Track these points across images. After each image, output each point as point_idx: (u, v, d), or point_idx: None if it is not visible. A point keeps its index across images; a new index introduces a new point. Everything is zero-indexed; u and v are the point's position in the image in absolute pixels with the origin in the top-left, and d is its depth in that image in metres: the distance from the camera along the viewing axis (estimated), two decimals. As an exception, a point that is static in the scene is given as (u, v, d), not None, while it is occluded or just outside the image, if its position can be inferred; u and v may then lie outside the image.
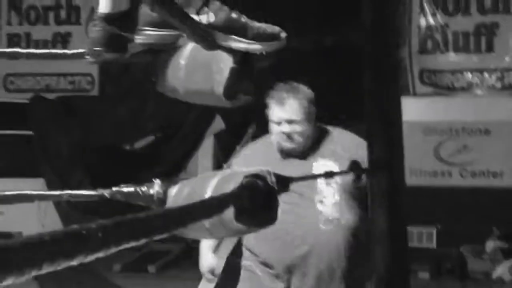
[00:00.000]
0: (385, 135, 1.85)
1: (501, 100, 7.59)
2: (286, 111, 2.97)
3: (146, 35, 1.68)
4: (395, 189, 1.85)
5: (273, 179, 1.41)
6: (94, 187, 1.85)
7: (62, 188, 6.81)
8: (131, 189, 1.55)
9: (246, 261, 3.14)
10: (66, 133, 8.20)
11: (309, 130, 3.02)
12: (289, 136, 2.96)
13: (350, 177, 2.98)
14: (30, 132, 8.23)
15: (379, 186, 1.81)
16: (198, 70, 1.63)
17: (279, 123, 2.97)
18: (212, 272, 3.38)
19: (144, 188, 1.52)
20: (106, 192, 1.62)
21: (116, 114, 8.12)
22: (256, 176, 1.41)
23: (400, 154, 1.86)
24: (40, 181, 7.73)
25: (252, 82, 1.62)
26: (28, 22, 8.87)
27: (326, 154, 3.05)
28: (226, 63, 1.56)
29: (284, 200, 2.97)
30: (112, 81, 8.37)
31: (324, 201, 2.95)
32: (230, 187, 1.38)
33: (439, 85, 7.80)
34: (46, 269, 0.63)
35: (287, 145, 3.00)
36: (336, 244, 2.94)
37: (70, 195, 1.80)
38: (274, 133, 3.03)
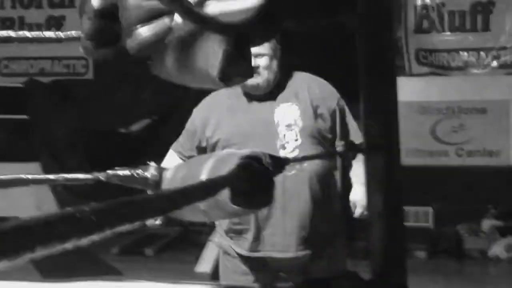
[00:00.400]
0: (380, 116, 1.84)
1: (497, 79, 7.57)
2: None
3: (138, 35, 1.67)
4: (391, 169, 1.84)
5: (269, 160, 1.41)
6: (91, 171, 1.85)
7: (59, 172, 6.80)
8: (127, 172, 1.56)
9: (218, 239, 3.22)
10: (62, 117, 8.21)
11: (275, 66, 3.05)
12: (256, 68, 2.93)
13: (311, 121, 3.00)
14: (26, 116, 8.25)
15: (375, 166, 1.81)
16: (192, 53, 1.63)
17: None
18: None
19: (139, 171, 1.53)
20: (102, 176, 1.63)
21: (111, 97, 8.13)
22: (251, 157, 1.41)
23: (396, 134, 1.85)
24: (37, 165, 7.72)
25: (247, 63, 1.61)
26: (21, 5, 8.82)
27: (289, 97, 3.06)
28: (219, 45, 1.55)
29: (244, 148, 2.98)
30: (107, 65, 8.36)
31: (286, 145, 2.95)
32: (225, 169, 1.38)
33: (435, 64, 7.78)
34: (40, 252, 0.63)
35: (253, 80, 2.93)
36: (301, 188, 2.96)
37: (66, 179, 1.79)
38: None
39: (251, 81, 2.91)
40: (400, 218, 1.97)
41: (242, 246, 3.03)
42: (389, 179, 1.83)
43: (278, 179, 2.86)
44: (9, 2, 8.77)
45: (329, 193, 3.09)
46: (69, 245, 0.67)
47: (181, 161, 3.14)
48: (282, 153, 2.89)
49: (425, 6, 7.78)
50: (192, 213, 1.50)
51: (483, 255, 7.03)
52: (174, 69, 1.65)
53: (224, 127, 3.05)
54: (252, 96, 3.09)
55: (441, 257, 7.13)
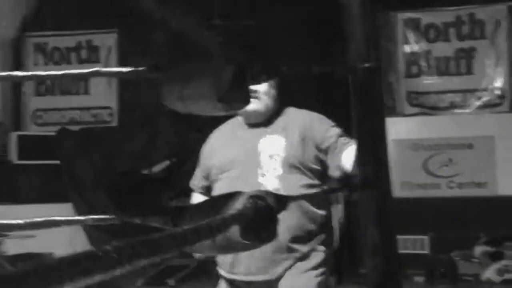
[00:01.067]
0: (371, 156, 1.85)
1: (481, 117, 7.62)
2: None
3: None
4: (383, 203, 1.84)
5: (272, 199, 1.43)
6: (116, 209, 1.87)
7: (89, 212, 6.85)
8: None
9: None
10: (90, 161, 8.23)
11: (274, 94, 2.97)
12: (256, 94, 2.86)
13: (297, 152, 2.88)
14: (58, 162, 8.22)
15: (368, 202, 1.81)
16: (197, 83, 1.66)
17: None
18: None
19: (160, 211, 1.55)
20: (125, 216, 1.65)
21: (133, 142, 8.19)
22: (257, 197, 1.43)
23: (386, 172, 1.86)
24: (68, 206, 7.73)
25: (247, 92, 1.62)
26: (53, 62, 8.93)
27: (277, 128, 2.97)
28: (224, 75, 1.57)
29: (231, 175, 2.92)
30: (129, 113, 8.45)
31: (265, 174, 2.86)
32: (235, 207, 1.40)
33: (425, 105, 7.86)
34: (69, 286, 0.66)
35: (253, 106, 2.78)
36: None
37: (93, 219, 1.81)
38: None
39: (250, 107, 2.68)
40: (395, 249, 1.97)
41: (224, 268, 2.95)
42: (382, 212, 1.83)
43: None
44: (42, 60, 8.91)
45: (311, 217, 2.93)
46: (94, 280, 0.69)
47: (199, 194, 3.11)
48: (261, 181, 2.83)
49: (413, 53, 7.90)
50: (205, 248, 1.52)
51: (476, 279, 6.97)
52: (180, 96, 1.68)
53: (218, 153, 3.00)
54: (249, 123, 3.02)
55: (437, 282, 7.07)
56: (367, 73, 1.78)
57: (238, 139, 2.99)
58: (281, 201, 1.50)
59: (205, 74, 1.56)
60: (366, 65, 1.81)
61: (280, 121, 3.00)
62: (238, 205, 1.38)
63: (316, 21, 7.43)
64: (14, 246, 6.79)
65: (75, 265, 0.67)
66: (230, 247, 1.48)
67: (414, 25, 7.89)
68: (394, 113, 7.79)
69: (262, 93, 2.90)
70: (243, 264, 2.87)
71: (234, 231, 1.36)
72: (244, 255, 2.78)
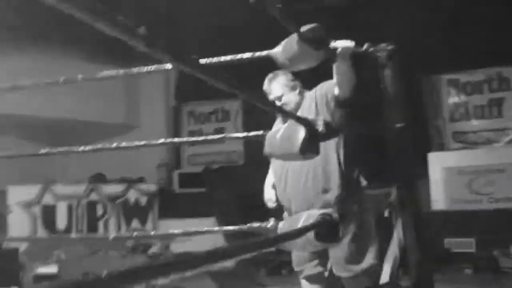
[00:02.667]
0: (407, 184, 1.92)
1: (510, 149, 7.33)
2: (273, 92, 2.61)
3: None
4: (418, 220, 1.89)
5: (336, 215, 1.59)
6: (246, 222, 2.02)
7: (226, 224, 6.96)
8: (257, 224, 1.74)
9: None
10: (226, 189, 8.39)
11: (295, 97, 2.63)
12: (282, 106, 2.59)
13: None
14: (203, 189, 8.48)
15: (406, 217, 1.87)
16: (285, 141, 1.76)
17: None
18: (271, 201, 2.97)
19: (264, 224, 1.72)
20: (241, 227, 1.82)
21: (258, 175, 8.31)
22: (326, 214, 1.60)
23: (417, 196, 1.91)
24: (213, 219, 7.77)
25: (317, 144, 1.71)
26: (200, 122, 9.25)
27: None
28: (301, 134, 1.67)
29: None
30: (252, 154, 8.58)
31: None
32: (310, 221, 1.58)
33: (467, 141, 7.64)
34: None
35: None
36: None
37: (226, 230, 2.02)
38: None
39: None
40: (426, 255, 1.96)
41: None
42: (418, 227, 1.87)
43: None
44: (193, 120, 9.27)
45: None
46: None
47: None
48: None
49: (455, 104, 7.73)
50: (294, 246, 1.68)
51: (513, 271, 6.63)
52: (276, 150, 1.76)
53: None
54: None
55: (482, 273, 6.76)
56: (398, 132, 1.89)
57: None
58: (342, 217, 1.65)
59: (289, 138, 1.67)
60: (398, 125, 1.92)
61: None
62: (313, 219, 1.56)
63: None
64: (178, 247, 7.15)
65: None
66: (308, 246, 1.64)
67: (454, 83, 7.74)
68: (444, 148, 7.62)
69: (285, 105, 2.61)
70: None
71: (311, 235, 1.53)
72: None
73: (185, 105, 9.24)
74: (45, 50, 7.82)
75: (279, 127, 2.05)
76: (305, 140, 1.54)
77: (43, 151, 2.21)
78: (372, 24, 6.87)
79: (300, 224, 1.62)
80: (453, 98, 7.75)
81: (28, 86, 2.42)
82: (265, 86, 2.63)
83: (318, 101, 2.49)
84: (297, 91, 2.62)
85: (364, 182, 2.69)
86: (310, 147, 1.59)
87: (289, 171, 2.66)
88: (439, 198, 7.18)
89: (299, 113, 2.40)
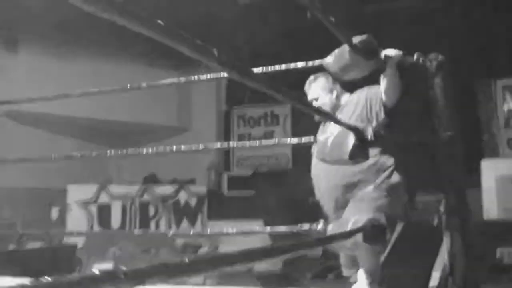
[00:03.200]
0: (455, 192, 1.94)
1: None
2: (311, 94, 2.60)
3: None
4: (465, 225, 1.91)
5: (383, 220, 1.66)
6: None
7: (271, 224, 7.01)
8: (307, 226, 1.82)
9: None
10: (273, 192, 8.34)
11: (331, 100, 2.58)
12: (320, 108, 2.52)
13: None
14: (252, 192, 8.54)
15: (453, 224, 1.89)
16: (336, 146, 1.83)
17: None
18: None
19: (313, 225, 1.80)
20: (292, 228, 1.91)
21: (305, 177, 8.32)
22: (374, 219, 1.67)
23: (465, 204, 1.92)
24: (260, 222, 7.58)
25: (366, 150, 1.77)
26: (249, 126, 9.42)
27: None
28: (351, 141, 1.73)
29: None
30: (301, 158, 8.55)
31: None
32: (359, 224, 1.65)
33: (522, 148, 7.42)
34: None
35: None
36: None
37: (277, 231, 2.11)
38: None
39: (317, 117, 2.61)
40: (476, 264, 1.97)
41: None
42: (464, 232, 1.89)
43: None
44: (242, 123, 9.46)
45: None
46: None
47: None
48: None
49: (510, 110, 7.51)
50: (343, 248, 1.76)
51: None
52: (326, 156, 1.82)
53: None
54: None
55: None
56: (448, 140, 1.91)
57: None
58: (390, 222, 1.71)
59: (340, 144, 1.74)
60: (448, 133, 1.94)
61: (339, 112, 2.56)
62: (361, 223, 1.63)
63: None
64: (226, 249, 7.24)
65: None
66: (357, 247, 1.72)
67: (510, 89, 7.53)
68: (498, 155, 7.41)
69: (322, 106, 2.58)
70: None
71: (359, 237, 1.61)
72: None
73: (235, 109, 9.43)
74: (105, 54, 8.19)
75: (329, 133, 2.12)
76: (355, 146, 1.62)
77: (101, 152, 2.36)
78: (426, 28, 6.80)
79: (349, 227, 1.69)
80: (508, 104, 7.54)
81: (96, 93, 2.59)
82: (306, 86, 2.68)
83: (367, 106, 2.44)
84: (334, 94, 2.62)
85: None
86: (359, 153, 1.66)
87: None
88: (491, 207, 6.98)
89: (339, 116, 2.39)
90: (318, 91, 2.59)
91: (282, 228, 1.95)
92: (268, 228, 2.42)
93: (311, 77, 2.60)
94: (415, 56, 1.83)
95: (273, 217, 7.98)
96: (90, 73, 7.99)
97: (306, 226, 1.85)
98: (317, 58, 2.15)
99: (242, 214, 7.76)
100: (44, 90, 7.04)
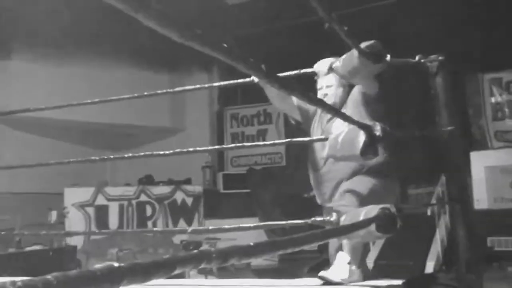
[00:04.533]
0: (457, 182, 2.05)
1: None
2: (326, 79, 2.61)
3: None
4: (466, 213, 2.02)
5: (394, 209, 1.75)
6: (287, 219, 2.19)
7: (267, 220, 7.12)
8: (320, 218, 1.93)
9: None
10: (269, 189, 8.60)
11: (340, 93, 2.60)
12: (325, 95, 2.61)
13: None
14: (248, 190, 8.66)
15: (456, 212, 2.00)
16: (346, 144, 1.89)
17: (320, 89, 2.66)
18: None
19: (327, 217, 1.89)
20: (306, 221, 2.00)
21: (297, 175, 8.50)
22: (385, 208, 1.77)
23: (466, 193, 2.03)
24: (256, 219, 7.98)
25: (376, 147, 1.85)
26: (242, 125, 9.50)
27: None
28: (361, 138, 1.80)
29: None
30: (294, 156, 8.81)
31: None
32: (372, 213, 1.74)
33: (509, 140, 7.61)
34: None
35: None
36: None
37: (289, 223, 2.19)
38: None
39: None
40: (475, 244, 2.08)
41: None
42: (466, 219, 2.00)
43: None
44: (235, 123, 9.55)
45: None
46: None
47: None
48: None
49: (498, 103, 7.70)
50: (356, 237, 1.83)
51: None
52: (337, 153, 1.89)
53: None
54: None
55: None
56: (449, 135, 2.03)
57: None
58: (399, 211, 1.81)
59: (351, 141, 1.82)
60: (448, 128, 2.06)
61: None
62: (374, 212, 1.73)
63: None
64: (224, 246, 7.35)
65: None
66: (369, 237, 1.81)
67: (497, 82, 7.73)
68: (486, 147, 7.61)
69: (330, 95, 2.62)
70: None
71: (373, 227, 1.70)
72: None
73: (228, 108, 9.52)
74: (96, 58, 8.24)
75: (336, 129, 2.20)
76: (366, 143, 1.72)
77: (95, 158, 2.45)
78: (415, 25, 6.96)
79: (361, 217, 1.79)
80: (495, 97, 7.75)
81: (103, 101, 2.69)
82: (320, 67, 2.62)
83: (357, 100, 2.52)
84: (345, 89, 2.65)
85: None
86: (370, 150, 1.76)
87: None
88: (481, 197, 7.18)
89: (344, 111, 2.39)
90: (333, 80, 2.60)
91: (297, 221, 2.04)
92: (283, 222, 2.50)
93: (329, 62, 2.53)
94: (417, 57, 1.96)
95: (269, 214, 8.16)
96: (82, 76, 8.04)
97: (320, 218, 1.94)
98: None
99: (238, 212, 7.86)
100: (38, 95, 7.11)
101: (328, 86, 2.63)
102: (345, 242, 2.33)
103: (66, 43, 7.72)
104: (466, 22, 7.09)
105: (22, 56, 7.87)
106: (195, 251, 0.76)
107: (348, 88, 2.60)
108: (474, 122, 7.79)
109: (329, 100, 2.53)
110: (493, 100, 7.76)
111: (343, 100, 2.60)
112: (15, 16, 6.91)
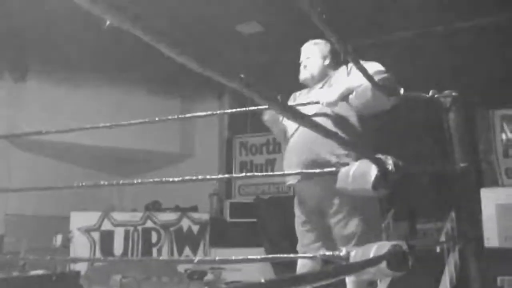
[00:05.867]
0: (469, 220, 2.02)
1: None
2: (306, 52, 2.66)
3: None
4: (477, 251, 1.99)
5: (405, 246, 1.71)
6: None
7: (275, 253, 7.01)
8: (329, 253, 1.87)
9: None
10: (275, 219, 8.31)
11: (321, 64, 2.61)
12: (305, 66, 2.64)
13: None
14: (255, 219, 8.53)
15: (467, 250, 1.96)
16: (357, 178, 1.88)
17: (301, 62, 2.68)
18: None
19: (336, 252, 1.85)
20: (315, 255, 1.97)
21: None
22: (396, 245, 1.72)
23: (478, 231, 1.99)
24: (261, 250, 7.86)
25: (386, 182, 1.83)
26: (251, 153, 9.51)
27: (326, 86, 2.59)
28: (373, 172, 1.79)
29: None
30: None
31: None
32: (383, 250, 1.70)
33: (521, 178, 7.52)
34: None
35: (303, 74, 2.63)
36: None
37: (301, 256, 2.15)
38: (301, 71, 2.68)
39: (301, 75, 2.62)
40: (485, 283, 2.05)
41: None
42: (477, 256, 1.98)
43: None
44: (244, 152, 9.54)
45: None
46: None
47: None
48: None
49: (509, 140, 7.64)
50: (366, 274, 1.79)
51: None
52: (349, 186, 1.87)
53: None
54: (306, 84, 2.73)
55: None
56: (463, 171, 2.01)
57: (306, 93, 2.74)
58: (411, 247, 1.76)
59: (362, 175, 1.83)
60: (462, 165, 2.04)
61: (330, 81, 2.61)
62: (385, 249, 1.68)
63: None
64: (229, 276, 7.27)
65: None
66: (379, 274, 1.77)
67: (508, 119, 7.69)
68: (497, 184, 7.52)
69: (309, 66, 2.64)
70: None
71: (383, 264, 1.66)
72: None
73: (237, 137, 9.52)
74: (108, 82, 8.33)
75: (353, 164, 2.16)
76: (378, 177, 1.69)
77: (103, 183, 2.43)
78: (427, 60, 6.98)
79: (372, 253, 1.74)
80: (506, 134, 7.69)
81: (118, 125, 2.68)
82: (304, 46, 2.67)
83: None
84: (327, 62, 2.63)
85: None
86: (381, 184, 1.73)
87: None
88: (491, 235, 7.05)
89: (326, 87, 2.44)
90: (313, 52, 2.62)
91: (305, 255, 2.00)
92: (292, 255, 2.46)
93: (315, 40, 2.61)
94: (430, 93, 1.95)
95: (275, 245, 8.01)
96: (94, 100, 8.12)
97: (329, 253, 1.90)
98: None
99: (244, 241, 7.78)
100: (49, 118, 7.17)
101: (307, 58, 2.64)
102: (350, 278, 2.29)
103: (79, 67, 7.83)
104: (478, 58, 7.11)
105: (36, 78, 7.98)
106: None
107: (330, 61, 2.62)
108: (485, 158, 7.72)
109: (308, 72, 2.58)
110: (503, 136, 7.71)
111: (323, 73, 2.61)
112: (30, 39, 7.03)
